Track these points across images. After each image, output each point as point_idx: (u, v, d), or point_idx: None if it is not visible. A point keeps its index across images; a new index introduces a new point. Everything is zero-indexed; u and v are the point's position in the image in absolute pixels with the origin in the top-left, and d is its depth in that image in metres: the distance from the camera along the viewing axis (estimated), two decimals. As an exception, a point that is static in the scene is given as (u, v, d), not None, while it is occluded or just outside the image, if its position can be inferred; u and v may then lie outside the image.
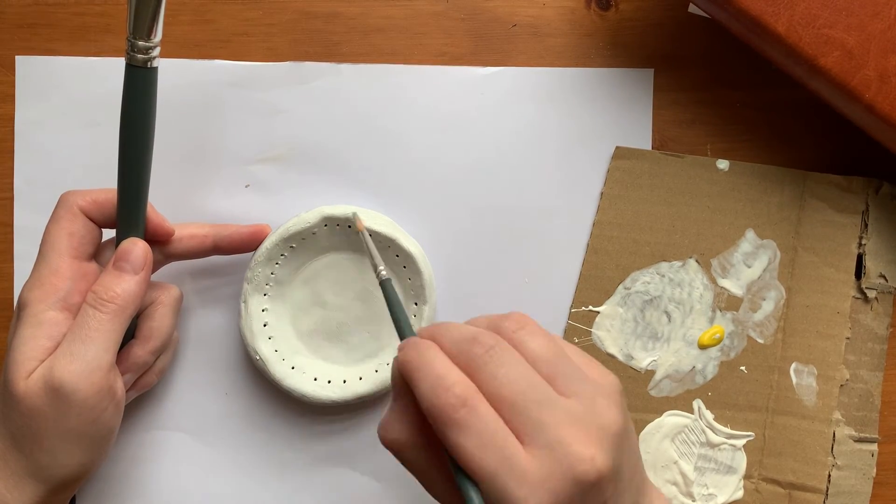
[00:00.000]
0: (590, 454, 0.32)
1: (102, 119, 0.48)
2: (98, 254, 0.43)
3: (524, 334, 0.35)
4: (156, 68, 0.40)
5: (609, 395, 0.34)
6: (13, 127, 0.48)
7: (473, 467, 0.31)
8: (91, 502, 0.49)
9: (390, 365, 0.47)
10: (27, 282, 0.41)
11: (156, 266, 0.45)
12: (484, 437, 0.31)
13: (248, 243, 0.46)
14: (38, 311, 0.40)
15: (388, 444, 0.35)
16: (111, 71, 0.48)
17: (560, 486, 0.31)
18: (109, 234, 0.44)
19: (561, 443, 0.32)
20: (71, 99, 0.48)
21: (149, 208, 0.43)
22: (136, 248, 0.42)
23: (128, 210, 0.42)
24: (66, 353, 0.39)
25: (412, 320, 0.47)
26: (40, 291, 0.40)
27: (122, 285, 0.41)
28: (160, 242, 0.44)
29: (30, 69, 0.48)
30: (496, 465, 0.31)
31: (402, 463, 0.35)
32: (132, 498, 0.49)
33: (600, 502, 0.33)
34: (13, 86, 0.48)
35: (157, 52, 0.40)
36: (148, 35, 0.39)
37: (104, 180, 0.46)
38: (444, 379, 0.33)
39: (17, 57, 0.48)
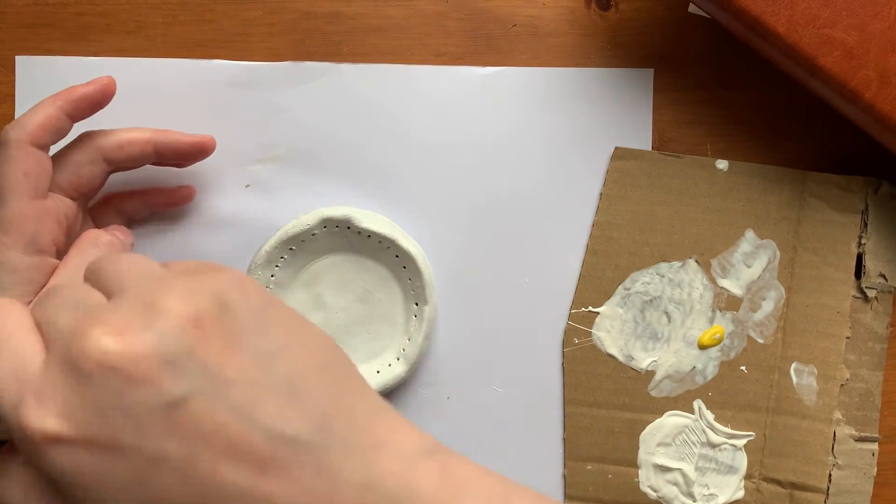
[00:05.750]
0: (82, 328, 0.27)
1: (102, 119, 0.48)
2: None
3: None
4: None
5: (174, 279, 0.29)
6: (13, 127, 0.48)
7: None
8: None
9: (392, 366, 0.47)
10: None
11: (93, 171, 0.43)
12: None
13: (190, 154, 0.45)
14: (12, 258, 0.40)
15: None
16: (111, 71, 0.48)
17: (59, 379, 0.27)
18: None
19: (66, 332, 0.28)
20: (71, 99, 0.48)
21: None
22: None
23: None
24: None
25: (413, 320, 0.47)
26: (9, 238, 0.40)
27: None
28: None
29: (30, 69, 0.48)
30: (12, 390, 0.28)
31: None
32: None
33: (160, 394, 0.27)
34: (13, 86, 0.48)
35: None
36: None
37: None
38: None
39: (17, 57, 0.48)
